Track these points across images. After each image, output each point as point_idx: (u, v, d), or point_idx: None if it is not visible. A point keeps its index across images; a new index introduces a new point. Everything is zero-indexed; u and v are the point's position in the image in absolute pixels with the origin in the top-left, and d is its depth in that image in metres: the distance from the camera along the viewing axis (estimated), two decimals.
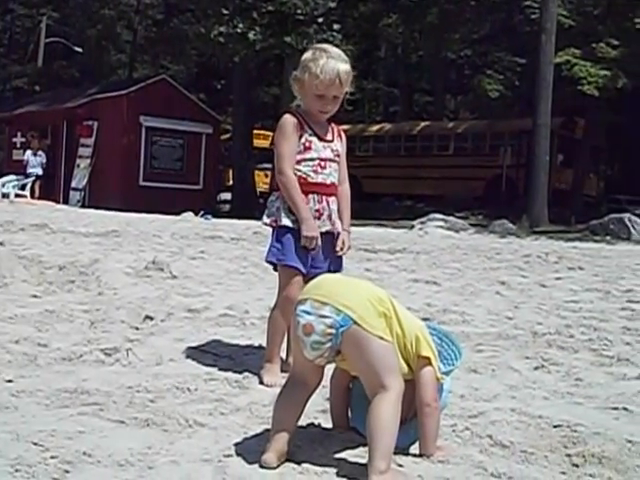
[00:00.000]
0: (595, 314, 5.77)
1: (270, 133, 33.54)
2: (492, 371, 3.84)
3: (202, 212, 20.31)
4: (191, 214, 19.35)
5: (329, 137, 3.62)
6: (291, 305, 2.70)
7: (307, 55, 3.49)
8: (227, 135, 33.67)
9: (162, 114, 26.20)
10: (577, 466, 2.50)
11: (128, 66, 42.20)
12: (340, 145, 3.66)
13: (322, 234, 3.51)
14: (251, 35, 23.70)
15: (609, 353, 4.32)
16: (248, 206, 26.69)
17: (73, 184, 27.12)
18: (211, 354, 3.92)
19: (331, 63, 3.41)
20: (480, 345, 4.47)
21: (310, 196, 3.52)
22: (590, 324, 5.28)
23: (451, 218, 20.84)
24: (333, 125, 3.68)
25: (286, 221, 3.50)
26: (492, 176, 28.34)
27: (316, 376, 2.48)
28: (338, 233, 3.59)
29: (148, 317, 4.75)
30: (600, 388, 3.57)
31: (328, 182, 3.57)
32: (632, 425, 2.96)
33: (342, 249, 3.60)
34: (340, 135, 3.70)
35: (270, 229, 3.61)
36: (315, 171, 3.53)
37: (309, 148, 3.52)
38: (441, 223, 19.41)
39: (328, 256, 3.57)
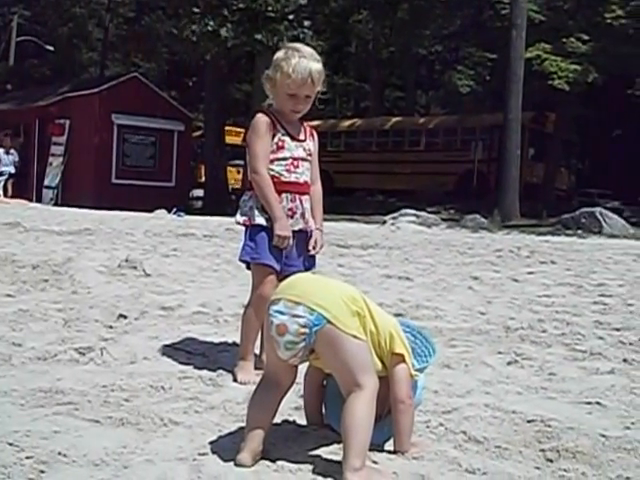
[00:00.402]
0: (567, 308, 5.81)
1: (242, 130, 33.46)
2: (465, 366, 3.85)
3: (175, 209, 20.24)
4: (164, 211, 19.27)
5: (302, 137, 3.63)
6: (264, 303, 2.68)
7: (279, 54, 3.49)
8: (199, 132, 33.55)
9: (134, 112, 26.10)
10: (551, 461, 2.51)
11: (100, 64, 41.86)
12: (312, 144, 3.68)
13: (295, 232, 3.53)
14: (223, 32, 23.62)
15: (582, 347, 4.35)
16: (220, 203, 26.64)
17: (46, 182, 26.96)
18: (185, 352, 3.91)
19: (303, 62, 3.42)
20: (453, 340, 4.49)
21: (283, 195, 3.53)
22: (563, 318, 5.31)
23: (423, 213, 20.92)
24: (305, 124, 3.70)
25: (259, 220, 3.50)
26: (463, 171, 28.50)
27: (289, 376, 2.48)
28: (311, 231, 3.61)
29: (122, 316, 4.73)
30: (573, 382, 3.59)
31: (301, 181, 3.59)
32: (605, 419, 2.98)
33: (315, 248, 3.62)
34: (312, 134, 3.72)
35: (243, 228, 3.61)
36: (288, 170, 3.55)
37: (282, 147, 3.54)
38: (413, 218, 19.48)
39: (302, 254, 3.59)
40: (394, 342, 2.56)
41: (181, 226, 13.46)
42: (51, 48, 40.78)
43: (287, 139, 3.57)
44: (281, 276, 3.41)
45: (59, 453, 2.38)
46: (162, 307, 5.13)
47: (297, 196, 3.58)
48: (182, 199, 26.36)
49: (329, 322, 2.35)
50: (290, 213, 3.54)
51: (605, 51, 24.91)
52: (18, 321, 4.45)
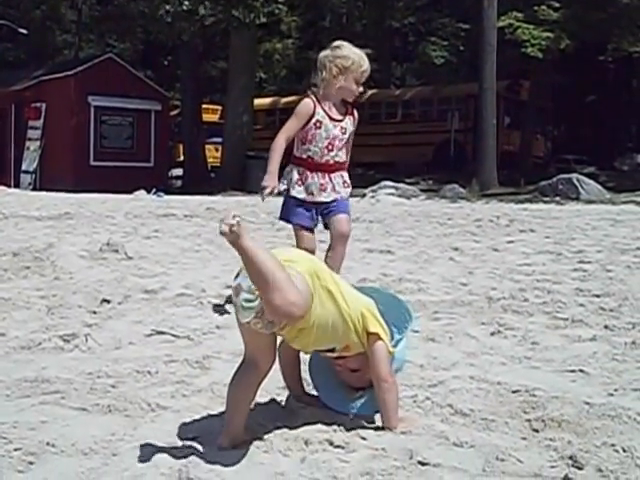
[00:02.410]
0: (548, 276, 5.83)
1: (219, 107, 33.25)
2: (449, 339, 3.87)
3: (154, 190, 20.13)
4: (143, 192, 19.15)
5: (339, 117, 4.40)
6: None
7: (343, 48, 4.27)
8: (176, 111, 33.27)
9: (110, 93, 25.83)
10: (537, 431, 2.54)
11: (74, 46, 41.31)
12: (350, 122, 4.45)
13: (331, 202, 4.40)
14: (201, 10, 23.39)
15: (563, 315, 4.38)
16: (200, 181, 26.55)
17: (24, 167, 26.68)
18: (170, 335, 3.90)
19: (364, 58, 4.31)
20: (436, 313, 4.50)
21: (316, 173, 4.38)
22: (544, 287, 5.33)
23: (402, 185, 20.90)
24: (348, 106, 4.47)
25: (294, 192, 4.39)
26: (440, 141, 28.46)
27: (268, 357, 2.44)
28: (341, 198, 4.43)
29: (105, 300, 4.71)
30: (556, 351, 3.62)
31: (331, 162, 4.41)
32: (589, 387, 3.01)
33: None
34: (353, 114, 4.48)
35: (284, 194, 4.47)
36: (323, 153, 4.36)
37: (319, 127, 4.34)
38: (392, 190, 19.47)
39: (339, 203, 4.44)
40: (367, 321, 2.55)
41: (161, 207, 13.39)
42: (25, 31, 40.17)
43: (326, 119, 4.35)
44: (335, 221, 4.43)
45: (47, 443, 2.37)
46: (145, 290, 5.10)
47: (327, 174, 4.42)
48: (161, 179, 26.19)
49: None
50: (322, 188, 4.40)
51: (576, 18, 24.84)
52: (0, 310, 4.42)
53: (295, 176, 4.41)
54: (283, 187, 4.42)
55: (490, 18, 23.13)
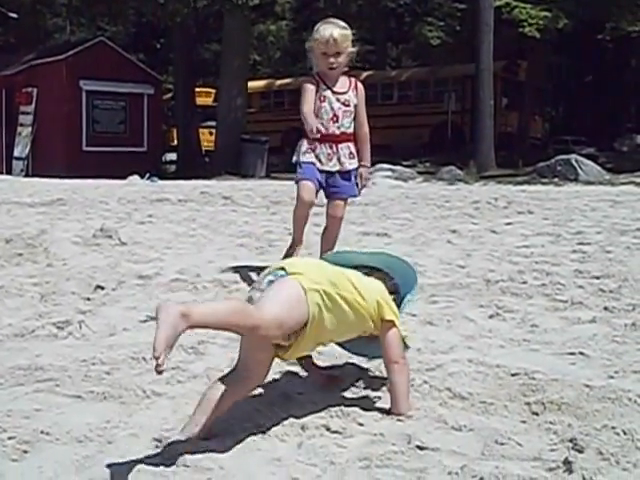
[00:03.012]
0: (547, 258, 5.80)
1: (212, 90, 33.11)
2: (447, 322, 3.85)
3: (148, 174, 20.06)
4: (137, 177, 19.08)
5: (342, 90, 4.75)
6: (303, 204, 4.69)
7: (314, 28, 4.62)
8: (169, 95, 33.13)
9: (102, 77, 25.66)
10: (537, 414, 2.52)
11: (65, 30, 41.09)
12: (354, 95, 4.78)
13: (335, 172, 4.76)
14: None
15: (563, 297, 4.36)
16: (194, 165, 26.45)
17: (15, 153, 26.54)
18: None
19: (328, 27, 4.56)
20: (434, 296, 4.48)
21: (324, 144, 4.72)
22: (542, 269, 5.31)
23: (398, 167, 20.85)
24: (352, 79, 4.83)
25: (304, 158, 4.76)
26: (437, 123, 28.37)
27: (262, 372, 2.41)
28: (347, 170, 4.78)
29: (99, 287, 4.67)
30: (555, 333, 3.60)
31: (338, 132, 4.74)
32: (589, 369, 2.99)
33: (363, 182, 4.91)
34: (356, 87, 4.82)
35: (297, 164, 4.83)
36: (329, 124, 4.70)
37: (324, 100, 4.71)
38: (389, 173, 19.41)
39: (342, 186, 4.82)
40: (383, 310, 2.58)
41: (155, 192, 13.33)
42: (15, 15, 39.92)
43: (328, 93, 4.71)
44: (331, 200, 4.86)
45: (42, 432, 2.36)
46: (139, 276, 5.07)
47: (334, 145, 4.75)
48: (155, 164, 26.07)
49: (288, 273, 2.41)
50: (329, 157, 4.75)
51: None
52: None
53: (305, 146, 4.78)
54: (295, 158, 4.83)
55: None
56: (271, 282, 2.41)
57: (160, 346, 1.96)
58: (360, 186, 4.95)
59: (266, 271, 2.49)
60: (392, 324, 2.60)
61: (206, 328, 2.23)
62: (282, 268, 2.45)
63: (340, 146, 4.77)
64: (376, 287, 2.65)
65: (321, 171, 4.78)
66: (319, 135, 4.57)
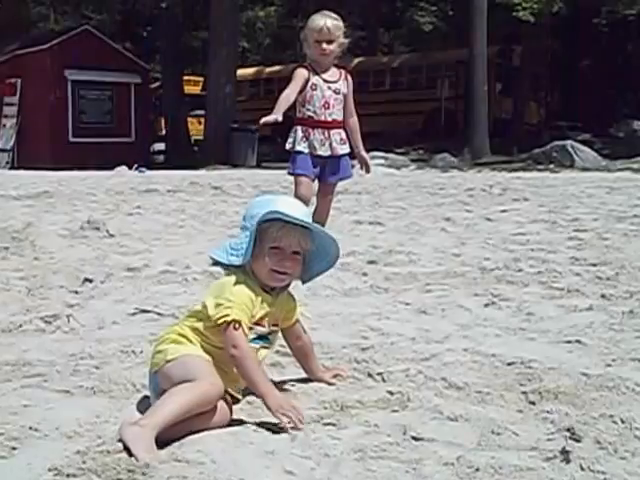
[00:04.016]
0: (543, 246, 5.79)
1: (200, 79, 32.96)
2: (442, 311, 3.82)
3: (136, 165, 19.98)
4: (125, 168, 19.01)
5: (333, 79, 5.06)
6: (301, 202, 4.29)
7: (309, 19, 5.00)
8: (157, 84, 32.96)
9: (88, 66, 25.45)
10: (533, 403, 2.49)
11: (49, 19, 40.82)
12: (344, 85, 5.10)
13: (327, 157, 5.07)
14: None
15: (559, 285, 4.34)
16: (183, 155, 26.31)
17: (0, 145, 26.35)
18: (154, 313, 3.84)
19: (321, 18, 4.94)
20: (428, 285, 4.46)
21: (316, 130, 5.02)
22: (538, 256, 5.30)
23: (391, 155, 20.84)
24: (342, 71, 5.15)
25: (299, 147, 5.03)
26: (430, 109, 28.27)
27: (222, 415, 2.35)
28: (338, 156, 5.10)
29: (87, 280, 4.62)
30: (552, 322, 3.57)
31: (330, 119, 5.05)
32: (586, 358, 2.97)
33: (366, 170, 5.44)
34: (346, 78, 5.14)
35: (291, 152, 5.09)
36: (321, 110, 5.00)
37: (315, 89, 4.99)
38: (381, 161, 19.39)
39: (334, 171, 5.15)
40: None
41: (143, 182, 13.28)
42: None
43: (320, 82, 5.00)
44: (322, 185, 5.21)
45: (30, 428, 2.31)
46: (128, 268, 5.03)
47: (327, 130, 5.04)
48: (143, 154, 25.91)
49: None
50: (322, 142, 5.03)
51: None
52: None
53: (300, 134, 5.05)
54: (289, 145, 5.08)
55: None
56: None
57: (145, 458, 2.05)
58: (365, 171, 5.46)
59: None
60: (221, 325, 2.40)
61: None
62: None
63: (332, 132, 5.05)
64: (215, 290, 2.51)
65: (315, 156, 5.07)
66: (272, 119, 4.80)
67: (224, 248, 2.52)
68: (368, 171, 5.50)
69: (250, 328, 2.43)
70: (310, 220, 2.52)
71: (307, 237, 2.49)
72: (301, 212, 2.50)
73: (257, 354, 2.45)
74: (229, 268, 2.51)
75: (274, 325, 2.54)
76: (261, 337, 2.50)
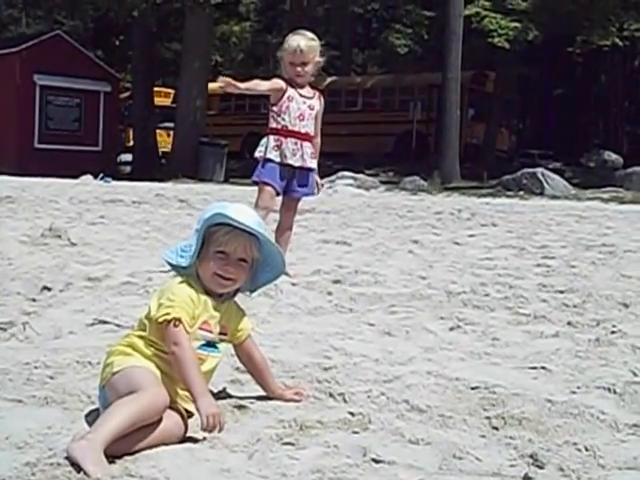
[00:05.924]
0: (510, 271, 5.82)
1: (171, 90, 32.87)
2: (406, 333, 3.79)
3: (101, 175, 19.88)
4: (90, 177, 18.90)
5: (309, 95, 5.19)
6: (263, 211, 4.85)
7: (285, 39, 5.10)
8: (127, 93, 32.82)
9: (57, 72, 25.35)
10: (497, 429, 2.47)
11: (21, 22, 40.54)
12: (317, 103, 5.25)
13: (296, 168, 5.16)
14: None
15: (525, 311, 4.35)
16: (150, 167, 26.21)
17: None
18: (113, 324, 3.78)
19: (296, 38, 5.01)
20: (393, 306, 4.43)
21: (289, 139, 5.11)
22: (505, 282, 5.31)
23: (361, 176, 20.92)
24: (316, 91, 5.30)
25: (270, 155, 5.11)
26: (402, 132, 28.40)
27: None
28: (308, 168, 5.21)
29: (46, 288, 4.56)
30: (517, 347, 3.57)
31: (303, 131, 5.16)
32: (551, 384, 2.96)
33: (317, 187, 5.45)
34: (320, 98, 5.30)
35: (260, 160, 5.19)
36: (295, 121, 5.10)
37: (292, 100, 5.10)
38: (351, 181, 19.46)
39: (302, 184, 5.26)
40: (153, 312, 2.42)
41: (108, 192, 13.22)
42: None
43: (296, 95, 5.11)
44: (288, 199, 5.32)
45: None
46: (88, 278, 4.97)
47: (299, 141, 5.14)
48: (109, 164, 25.80)
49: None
50: (294, 152, 5.11)
51: (545, 8, 24.82)
52: None
53: (272, 143, 5.13)
54: (259, 153, 5.16)
55: (456, 6, 23.07)
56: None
57: (96, 472, 2.00)
58: (318, 191, 5.53)
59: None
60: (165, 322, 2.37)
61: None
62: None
63: (304, 144, 5.17)
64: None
65: (284, 165, 5.14)
66: (231, 82, 4.97)
67: (175, 250, 2.53)
68: (318, 192, 5.61)
69: (196, 329, 2.41)
70: (262, 230, 2.50)
71: (253, 244, 2.48)
72: (251, 220, 2.48)
73: (207, 362, 2.45)
74: (179, 270, 2.51)
75: (222, 334, 2.51)
76: (209, 344, 2.47)
